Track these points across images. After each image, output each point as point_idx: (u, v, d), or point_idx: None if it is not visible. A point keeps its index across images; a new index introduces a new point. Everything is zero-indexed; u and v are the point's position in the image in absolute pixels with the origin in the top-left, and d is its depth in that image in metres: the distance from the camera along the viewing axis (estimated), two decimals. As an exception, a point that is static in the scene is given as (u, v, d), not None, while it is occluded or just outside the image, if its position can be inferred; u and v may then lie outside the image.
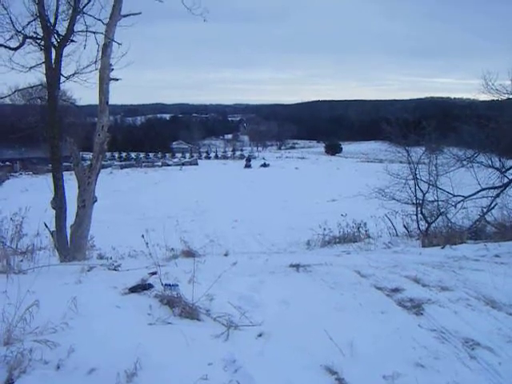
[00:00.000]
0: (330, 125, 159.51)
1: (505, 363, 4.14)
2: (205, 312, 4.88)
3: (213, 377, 3.70)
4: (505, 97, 16.66)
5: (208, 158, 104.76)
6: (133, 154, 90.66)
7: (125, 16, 10.98)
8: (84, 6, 11.08)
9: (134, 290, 5.47)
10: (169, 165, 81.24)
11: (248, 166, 77.59)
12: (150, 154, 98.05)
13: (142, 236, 6.56)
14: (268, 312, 5.00)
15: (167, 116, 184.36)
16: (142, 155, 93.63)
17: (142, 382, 3.56)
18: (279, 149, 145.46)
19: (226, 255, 9.37)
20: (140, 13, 11.04)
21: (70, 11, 10.96)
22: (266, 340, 4.40)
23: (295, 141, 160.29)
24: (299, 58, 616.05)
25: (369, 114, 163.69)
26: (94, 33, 11.15)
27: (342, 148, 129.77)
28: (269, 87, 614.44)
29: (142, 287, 5.54)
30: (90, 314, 4.63)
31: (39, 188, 39.59)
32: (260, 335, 4.50)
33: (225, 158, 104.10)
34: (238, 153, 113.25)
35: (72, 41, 11.15)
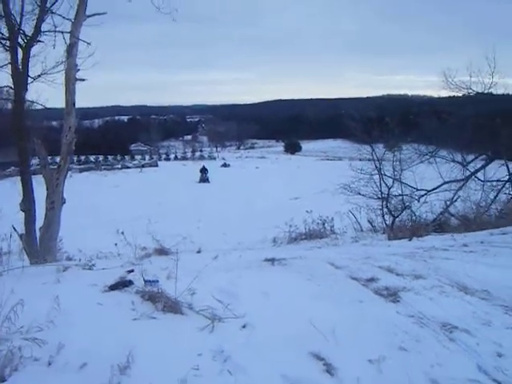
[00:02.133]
0: (289, 124, 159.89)
1: (482, 344, 4.33)
2: (187, 306, 4.92)
3: (204, 367, 3.76)
4: (464, 92, 17.02)
5: (168, 159, 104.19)
6: (91, 157, 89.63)
7: (90, 16, 10.93)
8: (52, 5, 10.97)
9: (114, 287, 5.50)
10: (128, 167, 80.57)
11: (204, 180, 57.15)
12: (109, 156, 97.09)
13: (122, 233, 6.54)
14: (249, 304, 5.07)
15: (125, 118, 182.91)
16: (100, 158, 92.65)
17: (136, 374, 3.60)
18: (238, 149, 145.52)
19: (198, 252, 9.44)
20: (105, 13, 11.02)
21: (37, 11, 10.85)
22: (251, 330, 4.47)
23: (254, 140, 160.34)
24: (257, 58, 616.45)
25: (327, 112, 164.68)
26: (62, 32, 11.03)
27: (301, 147, 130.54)
28: (227, 88, 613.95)
29: (122, 284, 5.57)
30: (74, 311, 4.65)
31: (-2, 194, 38.94)
32: (244, 326, 4.56)
33: (184, 158, 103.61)
34: (197, 153, 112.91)
35: (39, 41, 11.04)
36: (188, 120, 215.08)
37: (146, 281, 5.40)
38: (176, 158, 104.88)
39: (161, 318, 4.65)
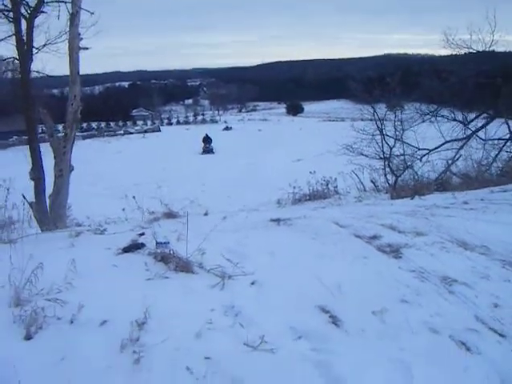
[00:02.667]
0: (290, 85, 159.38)
1: (480, 296, 4.55)
2: (198, 265, 5.14)
3: (216, 321, 4.00)
4: (465, 51, 17.00)
5: (170, 124, 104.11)
6: (93, 124, 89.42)
7: (91, -15, 10.99)
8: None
9: (127, 249, 5.72)
10: (131, 133, 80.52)
11: (208, 150, 51.72)
12: (111, 123, 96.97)
13: (134, 197, 6.70)
14: (257, 262, 5.27)
15: (126, 84, 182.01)
16: (102, 125, 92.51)
17: (153, 329, 3.83)
18: (240, 111, 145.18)
19: (205, 215, 9.60)
20: (105, -19, 11.06)
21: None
22: (260, 287, 4.70)
23: (256, 103, 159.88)
24: (258, 20, 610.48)
25: (328, 74, 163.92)
26: (65, 2, 11.11)
27: (303, 108, 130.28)
28: (227, 51, 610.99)
29: (134, 247, 5.79)
30: (90, 273, 4.86)
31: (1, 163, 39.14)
32: (253, 283, 4.78)
33: (187, 123, 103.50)
34: (199, 117, 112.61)
35: (42, 12, 11.11)
36: (189, 84, 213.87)
37: (157, 242, 5.61)
38: (178, 123, 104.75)
39: (173, 277, 4.87)
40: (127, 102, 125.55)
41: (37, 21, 11.09)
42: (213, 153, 50.38)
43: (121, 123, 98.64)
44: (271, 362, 3.50)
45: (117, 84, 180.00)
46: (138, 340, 3.68)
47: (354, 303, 4.39)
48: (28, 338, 3.73)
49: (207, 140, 53.12)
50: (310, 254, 5.68)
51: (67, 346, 3.63)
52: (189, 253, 5.19)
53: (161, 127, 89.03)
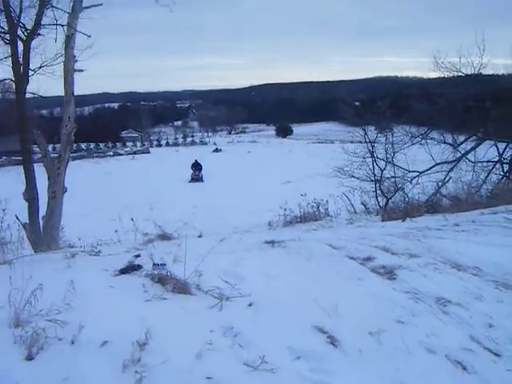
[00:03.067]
0: (280, 108, 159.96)
1: (475, 316, 4.65)
2: (196, 287, 5.18)
3: (216, 341, 4.04)
4: (454, 74, 17.24)
5: (159, 145, 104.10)
6: (83, 145, 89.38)
7: (86, 7, 11.10)
8: (51, -1, 11.13)
9: (124, 271, 5.75)
10: (120, 154, 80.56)
11: (197, 178, 46.79)
12: (101, 144, 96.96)
13: (132, 219, 6.76)
14: (254, 284, 5.32)
15: (115, 105, 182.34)
16: (92, 146, 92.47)
17: (154, 350, 3.86)
18: (229, 133, 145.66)
19: (200, 236, 9.69)
20: (101, 4, 11.19)
21: (37, 4, 11.00)
22: (257, 308, 4.74)
23: (245, 125, 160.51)
24: (246, 43, 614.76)
25: (317, 96, 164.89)
26: (62, 25, 11.20)
27: (292, 130, 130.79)
28: (216, 73, 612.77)
29: (131, 268, 5.82)
30: (88, 295, 4.89)
31: (-9, 183, 38.94)
32: (250, 304, 4.83)
33: (176, 144, 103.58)
34: (189, 139, 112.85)
35: (39, 34, 11.20)
36: (178, 105, 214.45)
37: (154, 264, 5.66)
38: (168, 144, 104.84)
39: (172, 299, 4.91)
40: (117, 123, 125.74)
41: (33, 43, 11.18)
42: (202, 181, 45.35)
43: (110, 144, 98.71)
44: (272, 382, 3.56)
45: (106, 105, 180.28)
46: (140, 360, 3.72)
47: (351, 324, 4.46)
48: (29, 358, 3.76)
49: (196, 166, 47.88)
50: (305, 275, 5.75)
51: (69, 366, 3.66)
52: (186, 274, 5.24)
53: (150, 149, 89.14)
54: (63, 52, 11.09)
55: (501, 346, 4.14)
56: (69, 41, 10.88)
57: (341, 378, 3.67)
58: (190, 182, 45.46)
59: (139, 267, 5.84)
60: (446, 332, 4.36)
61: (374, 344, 4.16)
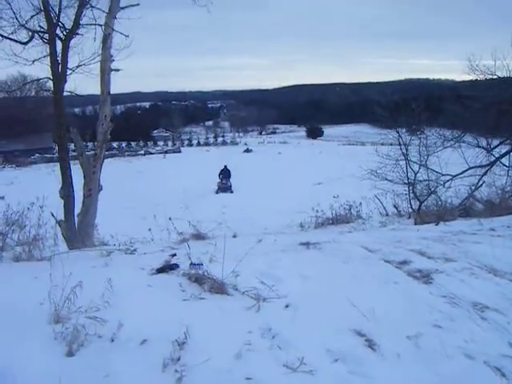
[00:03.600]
0: (310, 109, 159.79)
1: (513, 322, 4.59)
2: (232, 287, 5.21)
3: (255, 342, 4.07)
4: (488, 77, 17.04)
5: (190, 145, 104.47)
6: (114, 144, 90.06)
7: (123, 8, 11.22)
8: (90, -1, 11.27)
9: (161, 270, 5.81)
10: (152, 153, 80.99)
11: (224, 188, 37.39)
12: (132, 143, 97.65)
13: (170, 219, 6.79)
14: (290, 286, 5.33)
15: (146, 104, 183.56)
16: (123, 144, 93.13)
17: (194, 349, 3.89)
18: (260, 134, 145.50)
19: (234, 237, 9.71)
20: (138, 4, 11.30)
21: (76, 4, 11.13)
22: (295, 310, 4.75)
23: (276, 126, 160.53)
24: (277, 44, 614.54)
25: (348, 97, 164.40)
26: (101, 25, 11.34)
27: (323, 131, 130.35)
28: (247, 73, 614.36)
29: (168, 267, 5.88)
30: (126, 293, 4.94)
31: (24, 180, 39.40)
32: (287, 306, 4.84)
33: (207, 144, 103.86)
34: (219, 139, 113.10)
35: (78, 34, 11.33)
36: (209, 106, 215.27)
37: (191, 264, 5.70)
38: (199, 144, 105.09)
39: (209, 299, 4.94)
40: (148, 122, 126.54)
41: (71, 42, 11.31)
42: (231, 191, 36.36)
43: (141, 143, 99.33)
44: (311, 384, 3.57)
45: (138, 104, 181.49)
46: (179, 360, 3.76)
47: (389, 327, 4.45)
48: (70, 354, 3.82)
49: (225, 174, 38.21)
50: (341, 278, 5.74)
51: (110, 363, 3.71)
52: (223, 274, 5.26)
53: (181, 148, 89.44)
54: (100, 51, 11.24)
55: (540, 354, 4.10)
56: (106, 40, 11.01)
57: (380, 381, 3.67)
58: (216, 192, 36.20)
59: (176, 266, 5.90)
60: (484, 338, 4.32)
61: (413, 348, 4.14)
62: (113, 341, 4.02)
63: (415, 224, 12.59)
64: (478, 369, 3.90)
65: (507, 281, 5.72)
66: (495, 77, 17.09)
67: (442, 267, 6.12)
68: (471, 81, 18.99)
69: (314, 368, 3.72)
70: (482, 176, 16.17)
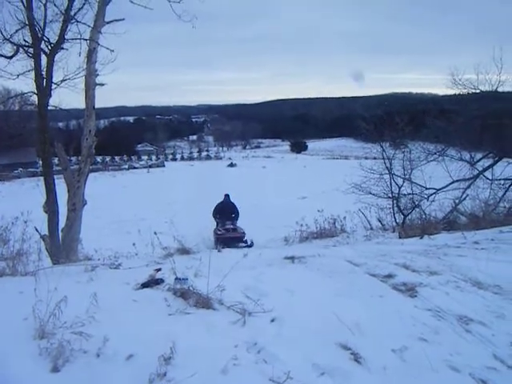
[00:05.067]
0: (294, 123, 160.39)
1: (497, 335, 4.65)
2: (218, 302, 5.21)
3: (241, 357, 4.06)
4: (471, 91, 17.21)
5: (174, 159, 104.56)
6: (98, 158, 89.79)
7: (108, 22, 11.24)
8: (75, 14, 11.26)
9: (146, 285, 5.79)
10: (136, 167, 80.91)
11: (235, 239, 17.81)
12: (116, 157, 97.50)
13: (155, 233, 6.78)
14: (276, 300, 5.34)
15: (131, 118, 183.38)
16: (107, 159, 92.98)
17: (180, 364, 3.89)
18: (244, 148, 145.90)
19: (219, 251, 9.70)
20: (123, 19, 11.35)
21: (61, 19, 11.12)
22: (280, 324, 4.76)
23: (260, 140, 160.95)
24: (262, 58, 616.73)
25: (332, 112, 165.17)
26: (86, 40, 11.34)
27: (307, 146, 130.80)
28: (232, 87, 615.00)
29: (154, 282, 5.86)
30: (111, 308, 4.92)
31: (8, 195, 39.07)
32: (273, 320, 4.85)
33: (191, 159, 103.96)
34: (204, 153, 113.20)
35: (63, 48, 11.31)
36: (193, 120, 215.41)
37: (176, 278, 5.70)
38: (183, 159, 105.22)
39: (195, 313, 4.94)
40: (132, 136, 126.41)
41: (56, 56, 11.27)
42: (247, 245, 17.49)
43: (125, 158, 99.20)
44: (298, 398, 3.57)
45: (122, 118, 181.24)
46: (166, 375, 3.75)
47: (374, 341, 4.47)
48: (55, 370, 3.80)
49: (227, 211, 20.53)
50: (326, 292, 5.76)
51: (95, 379, 3.70)
52: (208, 289, 5.26)
53: (165, 162, 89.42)
54: (85, 66, 11.24)
55: (525, 365, 4.14)
56: (91, 55, 11.05)
57: (366, 395, 3.68)
58: (218, 251, 10.97)
59: (161, 281, 5.89)
60: (469, 350, 4.37)
61: (398, 361, 4.16)
62: (98, 356, 4.00)
63: (399, 238, 12.66)
64: (463, 381, 3.93)
65: (491, 293, 5.79)
66: (478, 91, 17.28)
67: (427, 280, 6.17)
68: (454, 95, 19.18)
69: (300, 382, 3.72)
70: (466, 189, 16.32)
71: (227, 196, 21.59)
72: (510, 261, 7.21)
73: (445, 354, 4.27)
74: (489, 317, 5.05)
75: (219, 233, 18.35)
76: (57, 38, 11.12)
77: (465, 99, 18.69)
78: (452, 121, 16.86)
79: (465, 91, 17.53)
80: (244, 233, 18.82)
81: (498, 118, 16.70)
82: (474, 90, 17.28)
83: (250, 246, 16.86)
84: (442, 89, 19.01)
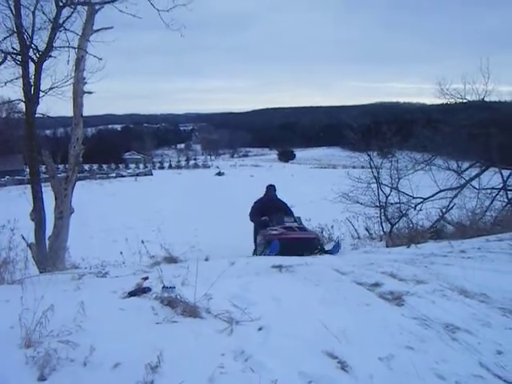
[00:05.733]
0: (283, 132, 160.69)
1: (483, 343, 4.67)
2: (205, 310, 5.21)
3: (228, 365, 4.06)
4: (458, 101, 17.33)
5: (162, 168, 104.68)
6: (86, 166, 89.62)
7: (97, 30, 11.25)
8: (64, 22, 11.25)
9: (133, 293, 5.78)
10: (123, 176, 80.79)
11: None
12: (103, 165, 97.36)
13: (142, 242, 6.77)
14: (263, 308, 5.35)
15: (118, 127, 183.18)
16: (95, 167, 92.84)
17: (167, 373, 3.88)
18: (232, 157, 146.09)
19: (206, 260, 9.68)
20: (112, 27, 11.38)
21: (50, 26, 11.11)
22: (267, 332, 4.77)
23: (248, 149, 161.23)
24: (251, 67, 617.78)
25: (320, 121, 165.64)
26: (74, 48, 11.33)
27: (295, 155, 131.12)
28: (220, 96, 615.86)
29: (141, 291, 5.85)
30: (98, 316, 4.90)
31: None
32: (260, 329, 4.85)
33: (179, 167, 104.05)
34: (191, 162, 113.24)
35: (51, 56, 11.30)
36: (181, 128, 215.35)
37: (163, 287, 5.70)
38: (170, 167, 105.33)
39: (182, 322, 4.93)
40: (120, 144, 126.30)
41: (44, 64, 11.26)
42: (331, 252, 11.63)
43: (113, 166, 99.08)
44: (285, 406, 3.58)
45: (109, 126, 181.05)
46: (153, 383, 3.74)
47: (361, 349, 4.48)
48: (42, 379, 3.77)
49: (276, 206, 14.42)
50: (314, 300, 5.77)
51: (82, 387, 3.69)
52: (196, 298, 5.26)
53: (153, 171, 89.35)
54: (73, 74, 11.25)
55: (510, 373, 4.16)
56: (79, 63, 11.06)
57: (353, 403, 3.69)
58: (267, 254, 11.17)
59: (148, 290, 5.87)
60: (455, 358, 4.38)
61: (385, 370, 4.18)
62: (85, 365, 3.98)
63: (387, 246, 12.72)
64: (449, 389, 3.95)
65: (477, 302, 5.82)
66: (465, 101, 17.40)
67: (414, 289, 6.20)
68: (442, 104, 19.33)
69: (288, 390, 3.73)
70: (453, 198, 16.38)
71: (272, 188, 15.38)
72: (497, 270, 7.26)
73: (431, 362, 4.29)
74: (475, 325, 5.08)
75: (275, 232, 12.21)
76: (45, 45, 11.11)
77: (452, 109, 18.86)
78: (439, 130, 16.95)
79: (452, 101, 17.66)
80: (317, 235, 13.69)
81: (485, 127, 16.83)
82: (461, 100, 17.40)
83: (335, 250, 11.37)
84: (430, 98, 19.16)
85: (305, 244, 11.14)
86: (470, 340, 4.73)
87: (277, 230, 12.30)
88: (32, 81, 11.04)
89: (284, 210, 14.11)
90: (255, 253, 12.96)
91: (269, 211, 13.62)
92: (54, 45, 11.20)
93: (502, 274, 7.01)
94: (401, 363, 4.24)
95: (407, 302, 5.70)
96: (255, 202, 14.80)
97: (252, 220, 14.28)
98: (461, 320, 5.19)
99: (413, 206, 16.70)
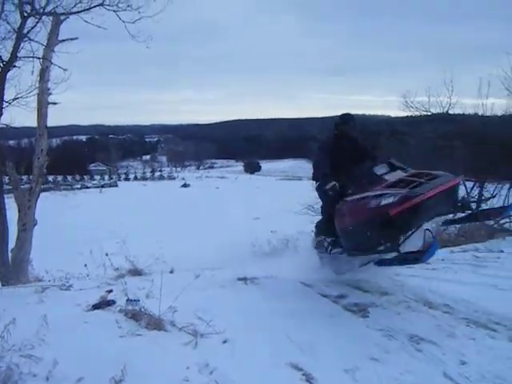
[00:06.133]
0: (248, 144, 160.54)
1: (448, 353, 4.73)
2: (170, 323, 5.18)
3: (192, 378, 4.05)
4: (423, 113, 17.53)
5: (127, 179, 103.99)
6: (50, 178, 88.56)
7: (62, 41, 11.16)
8: (28, 32, 11.13)
9: (97, 306, 5.73)
10: (88, 187, 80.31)
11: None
12: (68, 176, 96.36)
13: (106, 254, 6.70)
14: (228, 321, 5.32)
15: (83, 138, 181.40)
16: (59, 178, 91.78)
17: (131, 387, 3.86)
18: (198, 169, 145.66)
19: (171, 272, 9.61)
20: (77, 38, 11.27)
21: (14, 36, 11.00)
22: (232, 345, 4.76)
23: (214, 160, 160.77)
24: (218, 78, 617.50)
25: (286, 133, 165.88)
26: (39, 58, 11.23)
27: (260, 166, 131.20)
28: (186, 107, 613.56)
29: (105, 303, 5.80)
30: (62, 329, 4.85)
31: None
32: (225, 341, 4.85)
33: (144, 179, 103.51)
34: (157, 173, 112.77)
35: (15, 66, 11.17)
36: (147, 140, 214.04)
37: (128, 299, 5.65)
38: (136, 178, 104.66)
39: (146, 335, 4.89)
40: (84, 155, 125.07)
41: (8, 74, 11.13)
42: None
43: (78, 177, 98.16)
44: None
45: (74, 137, 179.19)
46: (117, 397, 3.71)
47: (326, 361, 4.50)
48: (3, 395, 3.72)
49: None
50: (279, 312, 5.77)
51: (44, 403, 3.64)
52: (160, 310, 5.22)
53: (118, 182, 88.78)
54: (38, 84, 11.13)
55: (474, 383, 4.20)
56: (44, 73, 10.97)
57: (317, 415, 3.69)
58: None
59: (113, 302, 5.83)
60: (419, 369, 4.42)
61: (350, 381, 4.20)
62: (48, 379, 3.93)
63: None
64: (413, 400, 3.98)
65: (442, 313, 5.90)
66: (429, 113, 17.59)
67: (379, 301, 6.26)
68: (407, 117, 19.51)
69: (252, 403, 3.72)
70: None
71: (349, 118, 7.90)
72: (460, 281, 7.33)
73: (396, 374, 4.31)
74: (439, 336, 5.13)
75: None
76: (9, 55, 11.00)
77: (417, 121, 19.03)
78: (405, 142, 17.12)
79: (417, 113, 17.84)
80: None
81: (449, 139, 17.03)
82: (425, 112, 17.60)
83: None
84: (395, 111, 19.39)
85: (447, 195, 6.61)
86: (435, 351, 4.78)
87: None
88: (-5, 92, 10.92)
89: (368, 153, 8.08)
90: (330, 246, 7.30)
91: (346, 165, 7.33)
92: (18, 55, 11.10)
93: (466, 285, 7.08)
94: (366, 375, 4.26)
95: (372, 314, 5.75)
96: (320, 149, 8.06)
97: (318, 184, 8.08)
98: (425, 331, 5.24)
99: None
